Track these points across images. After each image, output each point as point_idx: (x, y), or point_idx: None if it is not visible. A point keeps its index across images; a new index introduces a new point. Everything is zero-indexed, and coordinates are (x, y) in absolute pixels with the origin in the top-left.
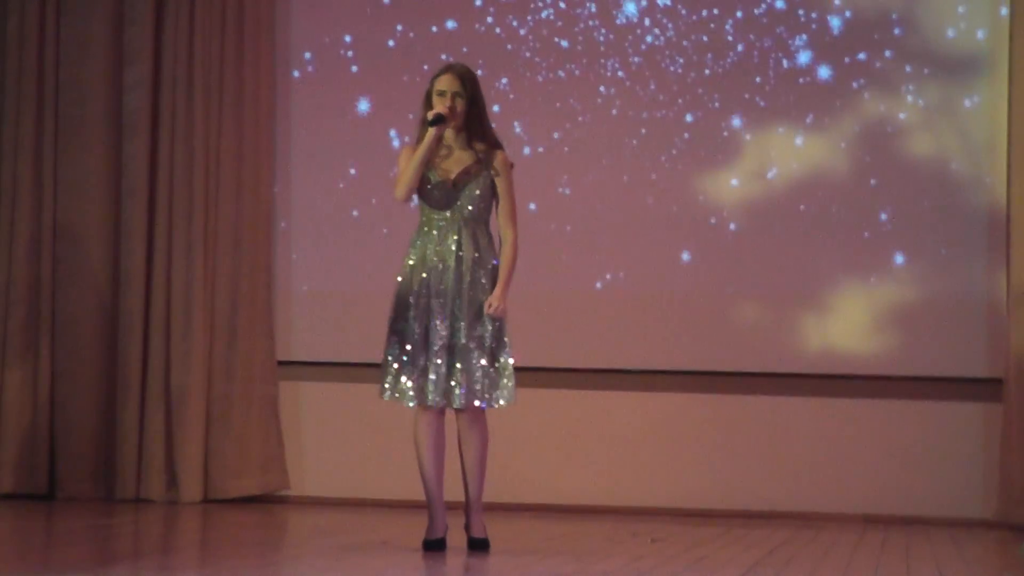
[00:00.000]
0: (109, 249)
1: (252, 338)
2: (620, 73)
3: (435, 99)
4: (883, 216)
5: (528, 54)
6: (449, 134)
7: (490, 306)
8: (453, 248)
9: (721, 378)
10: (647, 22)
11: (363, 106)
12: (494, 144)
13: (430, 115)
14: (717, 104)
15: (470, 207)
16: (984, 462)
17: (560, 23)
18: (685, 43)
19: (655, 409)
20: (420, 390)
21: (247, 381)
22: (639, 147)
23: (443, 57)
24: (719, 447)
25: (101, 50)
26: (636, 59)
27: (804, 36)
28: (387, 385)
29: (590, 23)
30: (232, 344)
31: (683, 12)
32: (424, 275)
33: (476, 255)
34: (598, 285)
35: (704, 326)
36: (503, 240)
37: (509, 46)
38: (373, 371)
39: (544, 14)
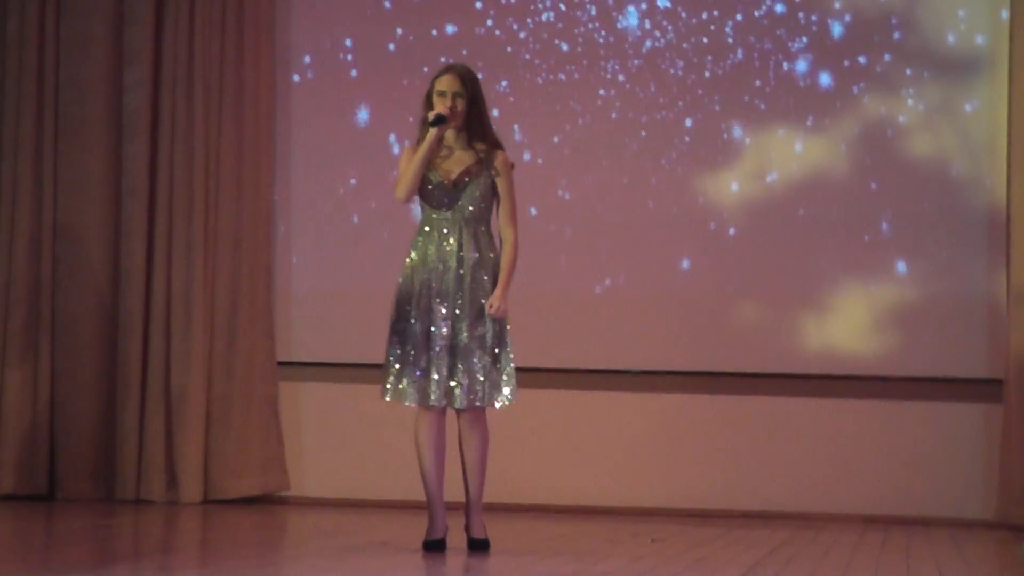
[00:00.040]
0: (109, 249)
1: (252, 338)
2: (620, 77)
3: (436, 99)
4: (883, 217)
5: (528, 56)
6: (450, 134)
7: (491, 306)
8: (454, 248)
9: (721, 378)
10: (647, 24)
11: (363, 109)
12: (495, 144)
13: (431, 115)
14: (717, 107)
15: (471, 207)
16: (984, 462)
17: (560, 25)
18: (685, 45)
19: (655, 409)
20: (422, 390)
21: (247, 381)
22: (639, 149)
23: (443, 60)
24: (719, 447)
25: (101, 50)
26: (636, 61)
27: (804, 39)
28: (388, 385)
29: (590, 26)
30: (232, 344)
31: (683, 15)
32: (425, 275)
33: (477, 255)
34: (598, 287)
35: (704, 326)
36: (504, 240)
37: (509, 48)
38: (373, 371)
39: (544, 17)
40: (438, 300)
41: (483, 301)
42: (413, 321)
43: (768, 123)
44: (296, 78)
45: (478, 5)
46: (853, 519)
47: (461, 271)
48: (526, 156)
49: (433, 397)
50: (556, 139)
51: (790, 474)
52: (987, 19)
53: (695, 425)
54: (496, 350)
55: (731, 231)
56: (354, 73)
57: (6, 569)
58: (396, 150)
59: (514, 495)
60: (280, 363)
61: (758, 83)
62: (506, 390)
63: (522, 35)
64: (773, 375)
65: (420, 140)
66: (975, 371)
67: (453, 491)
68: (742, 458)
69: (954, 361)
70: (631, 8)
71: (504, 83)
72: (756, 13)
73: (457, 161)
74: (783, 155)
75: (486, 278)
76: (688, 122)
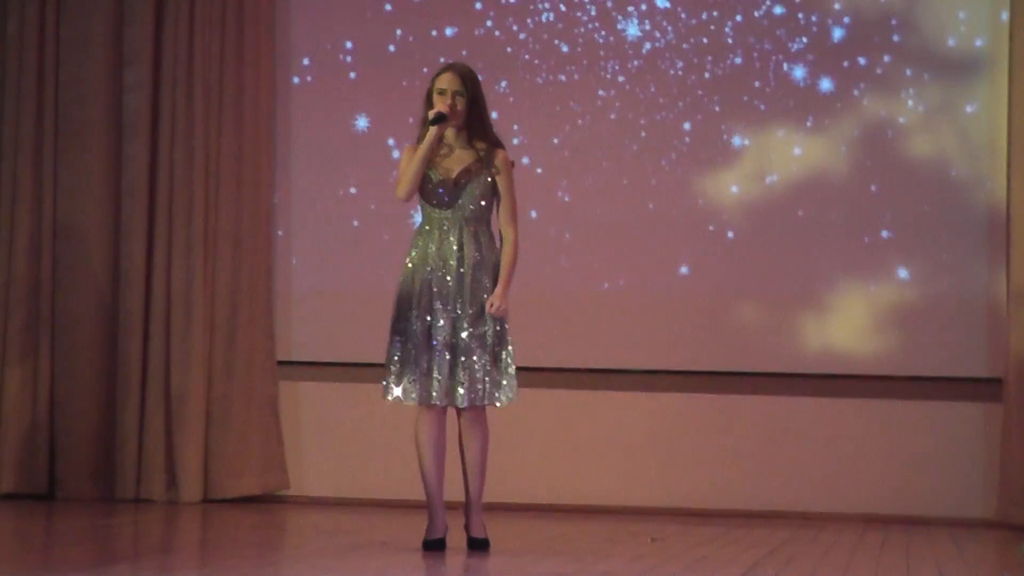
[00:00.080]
0: (109, 249)
1: (252, 338)
2: (620, 78)
3: (436, 98)
4: (884, 218)
5: (527, 57)
6: (450, 133)
7: (491, 305)
8: (454, 247)
9: (721, 378)
10: (647, 25)
11: (363, 110)
12: (495, 143)
13: (431, 114)
14: (717, 108)
15: (471, 206)
16: (984, 462)
17: (560, 26)
18: (685, 46)
19: (656, 409)
20: (423, 389)
21: (247, 381)
22: (639, 150)
23: (442, 61)
24: (719, 447)
25: (101, 50)
26: (636, 62)
27: (804, 40)
28: (390, 385)
29: (590, 26)
30: (232, 344)
31: (682, 15)
32: (426, 274)
33: (477, 254)
34: (599, 288)
35: (705, 327)
36: (504, 239)
37: (509, 49)
38: (373, 371)
39: (544, 17)
40: (439, 299)
41: (484, 300)
42: (414, 320)
43: (768, 124)
44: (296, 80)
45: (478, 6)
46: (853, 519)
47: (461, 270)
48: (525, 160)
49: (435, 396)
50: (556, 140)
51: (790, 474)
52: (987, 20)
53: (695, 425)
54: (497, 349)
55: (731, 232)
56: (353, 75)
57: (6, 569)
58: (396, 152)
59: (514, 495)
60: (280, 363)
61: (758, 84)
62: (507, 389)
63: (522, 36)
64: (773, 375)
65: (420, 139)
66: (975, 371)
67: (453, 491)
68: (742, 458)
69: (954, 361)
70: (631, 9)
71: (504, 84)
72: (756, 14)
73: (457, 160)
74: (783, 156)
75: (486, 277)
76: (687, 123)
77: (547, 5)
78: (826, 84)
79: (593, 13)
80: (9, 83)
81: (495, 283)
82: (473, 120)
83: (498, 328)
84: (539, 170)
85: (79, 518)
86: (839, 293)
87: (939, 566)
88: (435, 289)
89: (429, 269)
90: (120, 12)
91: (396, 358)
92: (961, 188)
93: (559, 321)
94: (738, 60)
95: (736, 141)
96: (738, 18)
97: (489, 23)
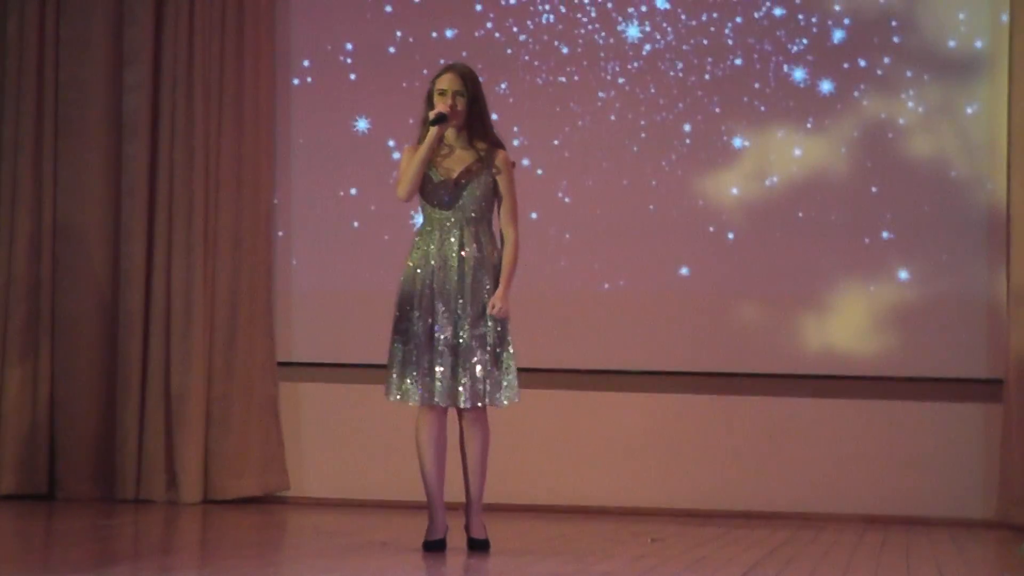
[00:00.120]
0: (109, 249)
1: (252, 338)
2: (620, 79)
3: (436, 98)
4: (884, 219)
5: (527, 58)
6: (450, 133)
7: (493, 306)
8: (455, 247)
9: (722, 379)
10: (647, 26)
11: (363, 112)
12: (495, 143)
13: (432, 114)
14: (717, 109)
15: (472, 206)
16: (984, 462)
17: (560, 27)
18: (685, 47)
19: (656, 410)
20: (425, 390)
21: (247, 381)
22: (639, 151)
23: (442, 62)
24: (719, 447)
25: (101, 50)
26: (636, 63)
27: (804, 41)
28: (392, 385)
29: (590, 27)
30: (232, 344)
31: (683, 16)
32: (427, 275)
33: (478, 254)
34: (599, 288)
35: (705, 327)
36: (504, 239)
37: (509, 50)
38: (373, 372)
39: (544, 19)
40: (440, 300)
41: (485, 300)
42: (415, 321)
43: (768, 125)
44: (296, 81)
45: (478, 7)
46: (853, 519)
47: (463, 270)
48: (526, 161)
49: (437, 396)
50: (556, 141)
51: (790, 474)
52: (987, 21)
53: (695, 425)
54: (498, 350)
55: (731, 233)
56: (354, 76)
57: (6, 569)
58: (396, 153)
59: (514, 495)
60: (280, 363)
61: (758, 85)
62: (508, 390)
63: (522, 37)
64: (773, 375)
65: (421, 139)
66: (975, 371)
67: (453, 491)
68: (742, 458)
69: (954, 361)
70: (631, 10)
71: (504, 85)
72: (756, 15)
73: (458, 160)
74: (783, 157)
75: (487, 277)
76: (687, 124)
77: (547, 7)
78: (826, 85)
79: (593, 14)
80: (9, 83)
81: (496, 283)
82: (474, 120)
83: (499, 328)
84: (539, 171)
85: (79, 518)
86: (839, 294)
87: (939, 566)
88: (436, 289)
89: (430, 269)
90: (120, 12)
91: (398, 359)
92: (961, 189)
93: (559, 321)
94: (738, 61)
95: (736, 142)
96: (738, 19)
97: (489, 24)
